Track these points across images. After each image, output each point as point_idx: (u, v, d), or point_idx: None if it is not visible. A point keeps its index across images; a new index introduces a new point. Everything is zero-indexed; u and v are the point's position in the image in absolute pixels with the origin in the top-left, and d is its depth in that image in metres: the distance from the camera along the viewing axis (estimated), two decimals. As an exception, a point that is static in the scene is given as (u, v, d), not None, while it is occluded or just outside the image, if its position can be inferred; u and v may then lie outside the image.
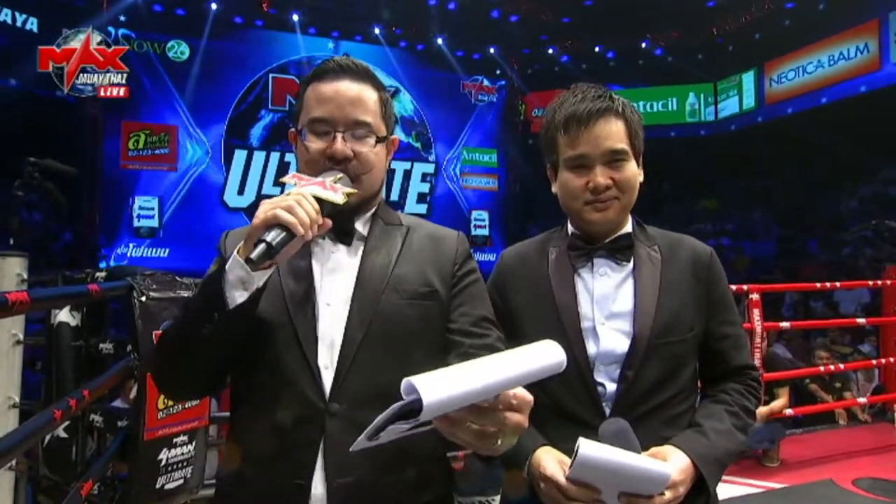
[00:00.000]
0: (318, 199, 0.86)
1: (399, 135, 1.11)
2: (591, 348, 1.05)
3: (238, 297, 0.84)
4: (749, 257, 10.45)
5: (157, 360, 0.97)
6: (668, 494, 0.91)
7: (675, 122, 12.53)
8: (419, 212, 11.82)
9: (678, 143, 12.32)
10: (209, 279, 0.88)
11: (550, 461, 0.95)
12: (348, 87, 0.98)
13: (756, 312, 3.81)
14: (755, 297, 3.84)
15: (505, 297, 1.15)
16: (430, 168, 12.61)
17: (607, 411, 1.03)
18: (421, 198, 12.39)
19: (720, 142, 12.31)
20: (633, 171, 1.10)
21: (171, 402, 2.08)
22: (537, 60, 13.42)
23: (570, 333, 1.05)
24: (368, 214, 1.05)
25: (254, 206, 11.29)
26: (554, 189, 1.16)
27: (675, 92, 12.63)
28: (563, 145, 1.09)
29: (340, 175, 0.94)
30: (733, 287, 3.85)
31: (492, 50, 12.99)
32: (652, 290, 1.07)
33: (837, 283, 5.06)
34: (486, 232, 12.63)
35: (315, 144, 0.97)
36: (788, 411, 3.80)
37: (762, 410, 3.64)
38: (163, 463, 2.05)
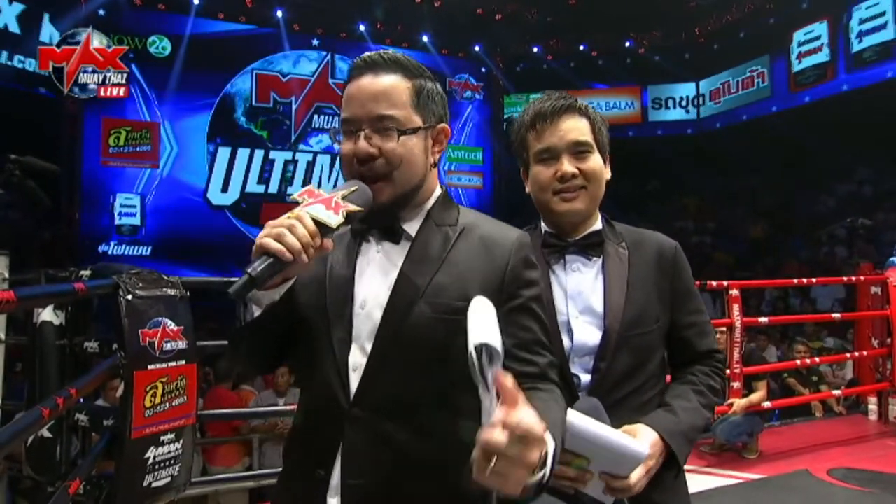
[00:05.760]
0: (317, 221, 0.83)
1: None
2: (567, 342, 1.12)
3: (255, 311, 0.93)
4: (730, 254, 10.63)
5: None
6: (640, 469, 0.97)
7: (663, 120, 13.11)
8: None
9: (662, 142, 12.52)
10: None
11: None
12: (371, 83, 0.94)
13: (736, 308, 3.88)
14: (735, 293, 3.92)
15: None
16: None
17: None
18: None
19: (704, 140, 12.53)
20: (598, 164, 1.18)
21: (157, 401, 2.08)
22: (522, 59, 13.49)
23: (548, 327, 1.10)
24: (420, 211, 0.99)
25: (237, 204, 11.09)
26: (528, 190, 1.23)
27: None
28: (532, 140, 1.18)
29: (355, 187, 0.90)
30: (714, 283, 3.96)
31: (477, 48, 13.03)
32: (620, 286, 1.14)
33: (814, 280, 5.18)
34: (471, 230, 12.71)
35: (345, 146, 0.96)
36: (767, 404, 3.90)
37: (741, 403, 3.72)
38: (150, 461, 2.04)
